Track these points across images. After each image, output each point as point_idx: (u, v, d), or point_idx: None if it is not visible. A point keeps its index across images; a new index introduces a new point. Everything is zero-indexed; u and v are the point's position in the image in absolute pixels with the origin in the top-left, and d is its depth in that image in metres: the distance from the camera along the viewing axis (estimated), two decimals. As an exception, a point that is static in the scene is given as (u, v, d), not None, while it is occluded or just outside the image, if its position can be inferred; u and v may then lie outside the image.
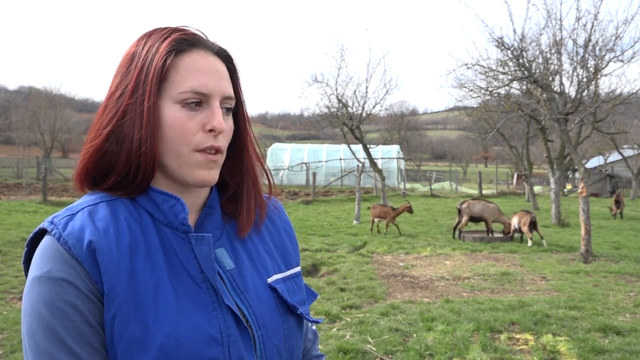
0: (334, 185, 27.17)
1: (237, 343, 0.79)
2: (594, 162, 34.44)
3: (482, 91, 12.14)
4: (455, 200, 19.10)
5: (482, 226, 11.33)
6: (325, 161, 29.55)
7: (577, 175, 28.21)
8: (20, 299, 5.58)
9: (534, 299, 5.66)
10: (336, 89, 15.65)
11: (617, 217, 14.79)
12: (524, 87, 12.45)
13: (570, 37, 9.50)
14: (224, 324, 0.79)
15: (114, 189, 0.83)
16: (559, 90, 9.97)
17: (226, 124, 0.84)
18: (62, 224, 0.77)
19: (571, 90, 10.12)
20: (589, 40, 9.15)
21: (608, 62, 9.18)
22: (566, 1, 36.46)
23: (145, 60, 0.81)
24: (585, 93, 9.98)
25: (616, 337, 4.45)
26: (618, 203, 14.74)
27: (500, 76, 11.19)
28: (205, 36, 0.87)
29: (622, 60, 9.14)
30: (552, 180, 13.94)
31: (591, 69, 9.39)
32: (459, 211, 10.51)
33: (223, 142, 0.84)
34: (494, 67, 10.75)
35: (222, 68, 0.85)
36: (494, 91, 11.94)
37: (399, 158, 29.71)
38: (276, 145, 32.57)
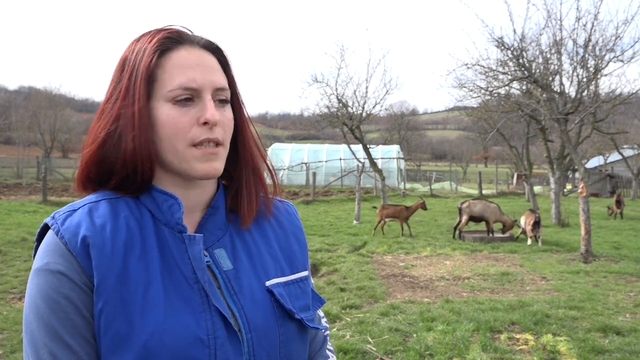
0: (334, 185, 27.17)
1: (225, 346, 0.79)
2: (594, 162, 34.43)
3: (482, 91, 12.13)
4: (455, 201, 19.10)
5: (482, 226, 11.34)
6: (325, 161, 29.56)
7: (577, 175, 28.20)
8: (20, 299, 5.59)
9: (534, 299, 5.66)
10: (336, 89, 15.67)
11: (617, 217, 14.80)
12: (524, 87, 12.44)
13: (570, 37, 9.50)
14: (212, 326, 0.79)
15: (118, 189, 0.85)
16: (559, 90, 9.97)
17: (222, 116, 0.85)
18: (62, 219, 0.79)
19: (571, 90, 10.13)
20: (589, 40, 9.15)
21: (608, 62, 9.18)
22: (566, 1, 36.49)
23: (134, 63, 0.83)
24: (585, 93, 9.98)
25: (616, 337, 4.45)
26: (619, 203, 14.75)
27: (500, 76, 11.19)
28: (191, 32, 0.88)
29: (622, 60, 9.14)
30: (552, 180, 13.94)
31: (591, 69, 9.38)
32: (460, 211, 10.52)
33: (221, 133, 0.84)
34: (494, 67, 10.75)
35: (210, 61, 0.85)
36: (494, 91, 11.93)
37: (399, 158, 29.72)
38: (276, 145, 32.58)
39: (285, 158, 29.64)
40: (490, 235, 10.40)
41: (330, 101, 15.97)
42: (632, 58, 9.08)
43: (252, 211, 0.92)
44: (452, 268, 7.54)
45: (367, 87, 15.74)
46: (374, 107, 15.94)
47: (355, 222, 12.97)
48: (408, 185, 29.27)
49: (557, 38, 9.63)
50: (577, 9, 13.38)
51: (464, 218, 10.36)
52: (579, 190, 8.56)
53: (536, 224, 9.55)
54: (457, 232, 10.43)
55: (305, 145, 32.63)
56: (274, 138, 68.66)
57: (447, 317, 4.97)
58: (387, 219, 10.95)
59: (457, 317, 4.96)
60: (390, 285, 6.51)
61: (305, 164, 27.57)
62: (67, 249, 0.76)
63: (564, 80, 10.16)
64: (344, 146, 26.39)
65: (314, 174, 20.55)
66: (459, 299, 5.73)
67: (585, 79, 9.53)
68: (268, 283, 0.88)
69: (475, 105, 15.62)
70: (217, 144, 0.83)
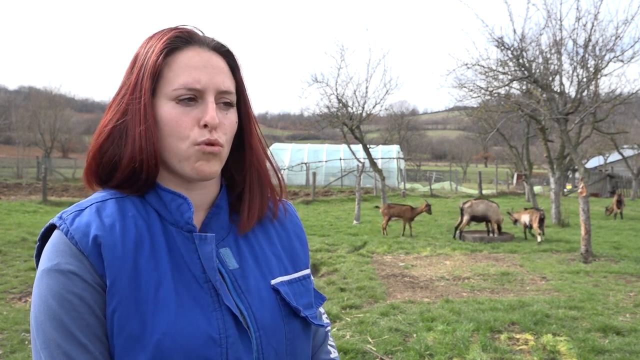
0: (334, 185, 27.18)
1: (236, 344, 0.79)
2: (594, 162, 34.43)
3: (482, 91, 12.13)
4: (455, 201, 19.10)
5: (482, 226, 11.35)
6: (325, 161, 29.57)
7: (577, 175, 28.20)
8: (20, 299, 5.59)
9: (534, 299, 5.66)
10: (336, 89, 15.67)
11: (617, 217, 14.80)
12: (524, 87, 12.43)
13: (570, 37, 9.50)
14: (224, 325, 0.79)
15: (122, 187, 0.85)
16: (559, 90, 9.96)
17: (225, 119, 0.85)
18: (70, 219, 0.79)
19: (571, 90, 10.13)
20: (589, 40, 9.14)
21: (608, 62, 9.18)
22: (566, 1, 36.49)
23: (144, 60, 0.83)
24: (585, 93, 9.98)
25: (616, 337, 4.45)
26: (620, 203, 14.76)
27: (500, 76, 11.18)
28: (202, 33, 0.88)
29: (622, 60, 9.14)
30: (552, 180, 13.93)
31: (591, 69, 9.38)
32: (462, 211, 10.53)
33: (221, 136, 0.84)
34: (494, 67, 10.75)
35: (218, 63, 0.86)
36: (494, 91, 11.92)
37: (399, 158, 29.73)
38: (276, 145, 32.60)
39: (285, 158, 29.66)
40: (491, 235, 10.43)
41: (330, 101, 15.99)
42: (632, 58, 9.08)
43: (253, 217, 0.93)
44: (452, 268, 7.54)
45: (367, 87, 15.77)
46: (374, 107, 15.95)
47: (355, 222, 12.97)
48: (408, 185, 29.28)
49: (557, 38, 9.63)
50: (577, 9, 13.42)
51: (465, 218, 10.37)
52: (579, 190, 8.57)
53: (541, 221, 9.76)
54: (458, 232, 10.45)
55: (305, 145, 32.65)
56: (274, 138, 68.62)
57: (447, 317, 4.97)
58: (392, 218, 10.97)
59: (457, 317, 4.96)
60: (390, 285, 6.51)
61: (305, 164, 27.58)
62: (77, 249, 0.76)
63: (564, 80, 10.17)
64: (344, 146, 26.40)
65: (314, 174, 20.55)
66: (459, 299, 5.73)
67: (585, 79, 9.53)
68: (273, 282, 0.89)
69: (475, 105, 15.62)
70: (216, 146, 0.83)
